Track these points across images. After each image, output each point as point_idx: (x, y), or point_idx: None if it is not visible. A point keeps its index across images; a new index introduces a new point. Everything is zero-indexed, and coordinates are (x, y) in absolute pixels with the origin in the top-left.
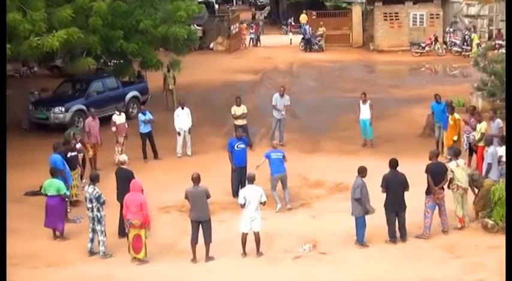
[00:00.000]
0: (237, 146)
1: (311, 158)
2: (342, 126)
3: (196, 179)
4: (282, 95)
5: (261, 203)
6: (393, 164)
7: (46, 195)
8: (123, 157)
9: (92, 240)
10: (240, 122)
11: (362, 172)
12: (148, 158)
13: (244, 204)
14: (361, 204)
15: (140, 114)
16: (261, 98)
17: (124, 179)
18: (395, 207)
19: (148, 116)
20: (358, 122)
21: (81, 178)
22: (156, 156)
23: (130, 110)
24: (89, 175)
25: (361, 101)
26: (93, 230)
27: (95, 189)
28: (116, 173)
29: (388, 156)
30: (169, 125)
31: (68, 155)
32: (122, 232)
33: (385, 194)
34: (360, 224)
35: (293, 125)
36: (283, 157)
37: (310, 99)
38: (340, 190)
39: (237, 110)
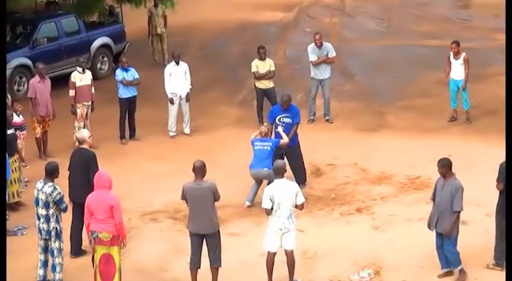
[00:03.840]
0: (279, 119)
1: (372, 138)
2: (419, 91)
3: (199, 170)
4: (319, 46)
5: (296, 206)
6: None
7: None
8: (83, 133)
9: (44, 264)
10: (264, 84)
11: (443, 165)
12: (127, 138)
13: (272, 209)
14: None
15: (119, 71)
16: (295, 49)
17: (81, 166)
18: None
19: (133, 74)
20: (446, 84)
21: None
22: (133, 134)
23: (99, 65)
24: (45, 167)
25: (451, 54)
26: (45, 250)
27: (55, 188)
28: (72, 156)
29: (490, 135)
30: (157, 89)
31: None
32: (77, 250)
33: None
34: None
35: (345, 88)
36: (274, 146)
37: (372, 49)
38: (417, 187)
39: (260, 66)
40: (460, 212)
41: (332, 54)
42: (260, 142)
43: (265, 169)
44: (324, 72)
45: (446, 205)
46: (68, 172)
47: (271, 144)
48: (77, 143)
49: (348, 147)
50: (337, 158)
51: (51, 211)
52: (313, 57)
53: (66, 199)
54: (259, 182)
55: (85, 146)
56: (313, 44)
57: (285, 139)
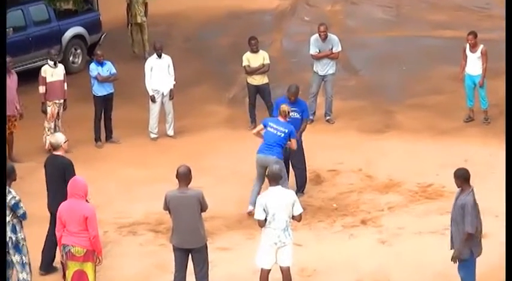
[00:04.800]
0: None
1: (379, 141)
2: (432, 88)
3: (184, 177)
4: (324, 38)
5: (293, 217)
6: None
7: None
8: (57, 137)
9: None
10: (257, 79)
11: (458, 177)
12: (103, 141)
13: (265, 220)
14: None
15: (93, 65)
16: (292, 40)
17: (57, 175)
18: None
19: (109, 68)
20: (461, 80)
21: None
22: (110, 136)
23: (71, 58)
24: None
25: (467, 46)
26: (9, 264)
27: (9, 192)
28: (46, 164)
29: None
30: (137, 85)
31: None
32: (47, 266)
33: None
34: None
35: (349, 84)
36: (288, 135)
37: (378, 41)
38: (429, 196)
39: (252, 60)
40: (472, 234)
41: (337, 48)
42: (276, 124)
43: (275, 157)
44: (326, 68)
45: (456, 219)
46: (46, 180)
47: (286, 131)
48: (46, 146)
49: (351, 151)
50: (339, 164)
51: (8, 219)
52: (313, 50)
53: (29, 206)
54: (262, 175)
55: (60, 152)
56: (317, 35)
57: (293, 145)
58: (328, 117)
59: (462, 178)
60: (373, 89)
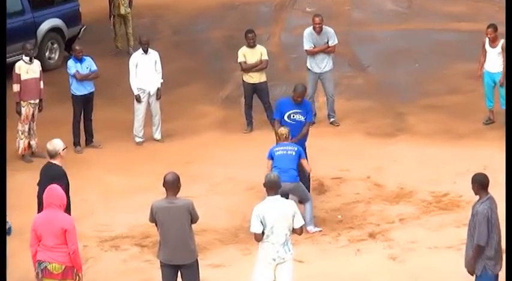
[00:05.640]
0: (289, 116)
1: (389, 146)
2: (447, 87)
3: (171, 185)
4: (319, 31)
5: (293, 230)
6: None
7: None
8: (55, 144)
9: None
10: (253, 77)
11: (474, 182)
12: (82, 145)
13: (263, 233)
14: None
15: (71, 62)
16: (292, 33)
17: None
18: None
19: (89, 65)
20: (479, 78)
21: None
22: (90, 140)
23: (47, 53)
24: None
25: (487, 41)
26: None
27: None
28: (41, 174)
29: None
30: (120, 83)
31: None
32: None
33: None
34: None
35: (355, 83)
36: (298, 154)
37: (388, 35)
38: (444, 207)
39: (248, 55)
40: (481, 246)
41: (333, 41)
42: (282, 146)
43: (291, 182)
44: (322, 64)
45: (470, 230)
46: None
47: (296, 148)
48: (20, 151)
49: (358, 156)
50: (344, 171)
51: None
52: (308, 45)
53: (17, 219)
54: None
55: (57, 160)
56: (311, 28)
57: (307, 166)
58: (332, 119)
59: (478, 183)
60: (382, 88)
